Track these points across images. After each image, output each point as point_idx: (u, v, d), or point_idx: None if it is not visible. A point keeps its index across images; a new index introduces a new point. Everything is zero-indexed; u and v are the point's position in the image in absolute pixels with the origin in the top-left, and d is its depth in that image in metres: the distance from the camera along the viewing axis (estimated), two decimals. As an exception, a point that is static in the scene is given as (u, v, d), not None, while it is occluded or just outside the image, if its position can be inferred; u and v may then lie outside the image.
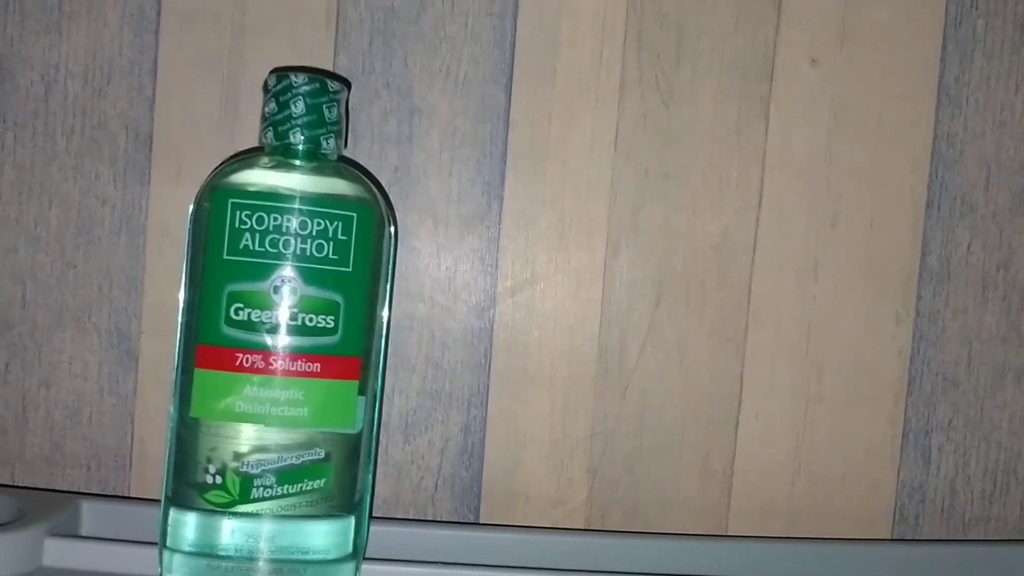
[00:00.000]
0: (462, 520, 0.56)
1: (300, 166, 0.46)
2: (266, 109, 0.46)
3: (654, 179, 0.56)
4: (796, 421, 0.57)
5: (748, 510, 0.57)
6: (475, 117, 0.55)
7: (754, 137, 0.56)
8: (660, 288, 0.56)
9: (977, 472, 0.59)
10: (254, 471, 0.44)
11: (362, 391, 0.46)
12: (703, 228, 0.56)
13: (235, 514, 0.44)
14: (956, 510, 0.59)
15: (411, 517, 0.56)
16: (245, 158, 0.47)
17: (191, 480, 0.45)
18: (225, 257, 0.45)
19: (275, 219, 0.45)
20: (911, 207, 0.58)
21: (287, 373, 0.44)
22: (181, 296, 0.47)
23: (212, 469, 0.44)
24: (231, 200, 0.45)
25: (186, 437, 0.45)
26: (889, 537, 0.58)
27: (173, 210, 0.54)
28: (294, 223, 0.45)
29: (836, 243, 0.57)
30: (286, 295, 0.44)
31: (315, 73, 0.47)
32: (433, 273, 0.56)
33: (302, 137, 0.46)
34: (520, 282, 0.56)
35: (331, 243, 0.45)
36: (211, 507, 0.44)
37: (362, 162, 0.55)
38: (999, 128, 0.58)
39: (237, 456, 0.44)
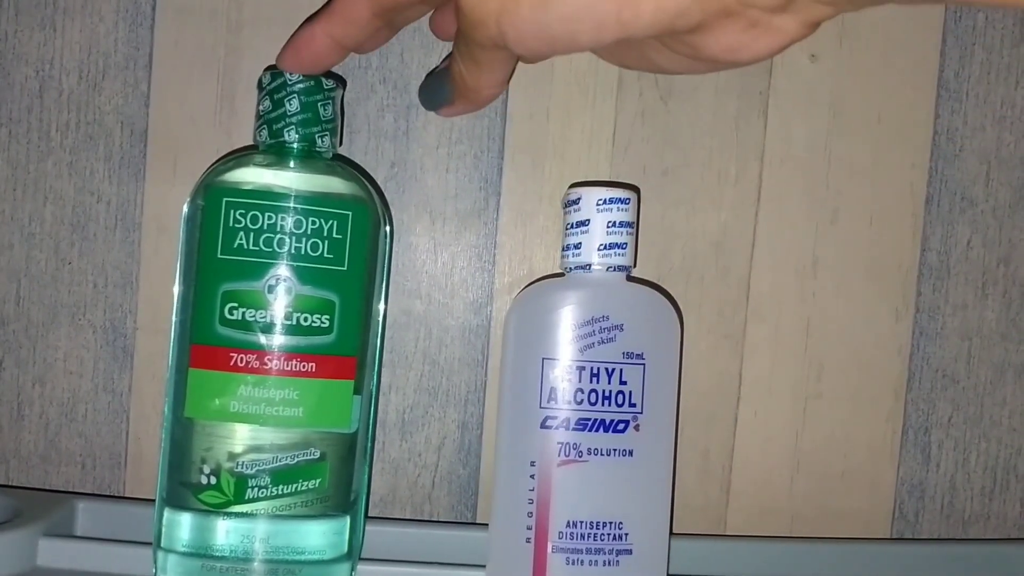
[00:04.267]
0: (459, 518, 0.56)
1: (295, 164, 0.46)
2: (261, 107, 0.46)
3: (652, 175, 0.56)
4: (795, 418, 0.57)
5: (747, 508, 0.57)
6: (472, 112, 0.55)
7: (753, 133, 0.56)
8: (659, 284, 0.56)
9: (977, 469, 0.59)
10: (249, 471, 0.44)
11: (357, 391, 0.46)
12: (702, 224, 0.56)
13: (230, 514, 0.44)
14: (956, 507, 0.59)
15: (408, 515, 0.56)
16: (239, 156, 0.47)
17: (185, 480, 0.45)
18: (219, 256, 0.44)
19: (270, 218, 0.44)
20: (911, 202, 0.57)
21: (282, 373, 0.44)
22: (175, 295, 0.46)
23: (207, 469, 0.44)
24: (225, 199, 0.45)
25: (180, 437, 0.45)
26: (888, 535, 0.58)
27: (168, 206, 0.54)
28: (289, 222, 0.44)
29: (835, 239, 0.57)
30: (281, 294, 0.44)
31: (310, 70, 0.46)
32: (430, 269, 0.55)
33: (297, 135, 0.45)
34: (518, 278, 0.56)
35: (326, 242, 0.45)
36: (206, 507, 0.44)
37: (358, 157, 0.55)
38: (999, 123, 0.58)
39: (232, 456, 0.44)
